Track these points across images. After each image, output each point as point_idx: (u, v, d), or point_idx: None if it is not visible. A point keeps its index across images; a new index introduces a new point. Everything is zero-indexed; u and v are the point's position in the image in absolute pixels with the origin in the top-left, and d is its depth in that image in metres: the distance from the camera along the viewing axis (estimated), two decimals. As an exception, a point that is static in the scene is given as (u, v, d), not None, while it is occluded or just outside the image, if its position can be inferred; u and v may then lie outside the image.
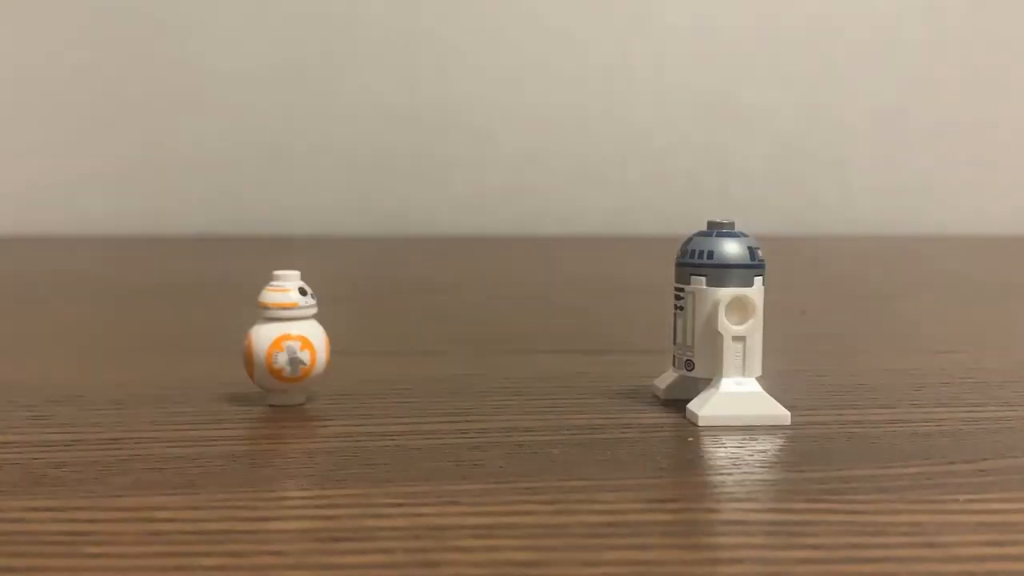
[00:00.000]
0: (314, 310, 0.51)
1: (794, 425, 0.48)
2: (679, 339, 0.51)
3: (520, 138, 1.49)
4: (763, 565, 0.33)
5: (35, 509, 0.37)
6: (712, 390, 0.49)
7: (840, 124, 1.51)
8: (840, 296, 0.94)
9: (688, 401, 0.51)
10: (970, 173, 1.52)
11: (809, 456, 0.44)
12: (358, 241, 1.41)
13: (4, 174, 1.47)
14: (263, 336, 0.50)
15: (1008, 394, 0.55)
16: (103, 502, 0.38)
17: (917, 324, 0.80)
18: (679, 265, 0.51)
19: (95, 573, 0.32)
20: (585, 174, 1.50)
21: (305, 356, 0.50)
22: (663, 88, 1.50)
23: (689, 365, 0.50)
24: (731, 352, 0.49)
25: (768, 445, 0.46)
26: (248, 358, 0.50)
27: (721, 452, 0.45)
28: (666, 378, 0.53)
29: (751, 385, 0.49)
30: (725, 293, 0.49)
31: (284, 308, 0.50)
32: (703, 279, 0.49)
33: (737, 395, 0.49)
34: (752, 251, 0.50)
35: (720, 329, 0.49)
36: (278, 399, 0.51)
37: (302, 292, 0.51)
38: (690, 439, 0.47)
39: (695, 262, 0.50)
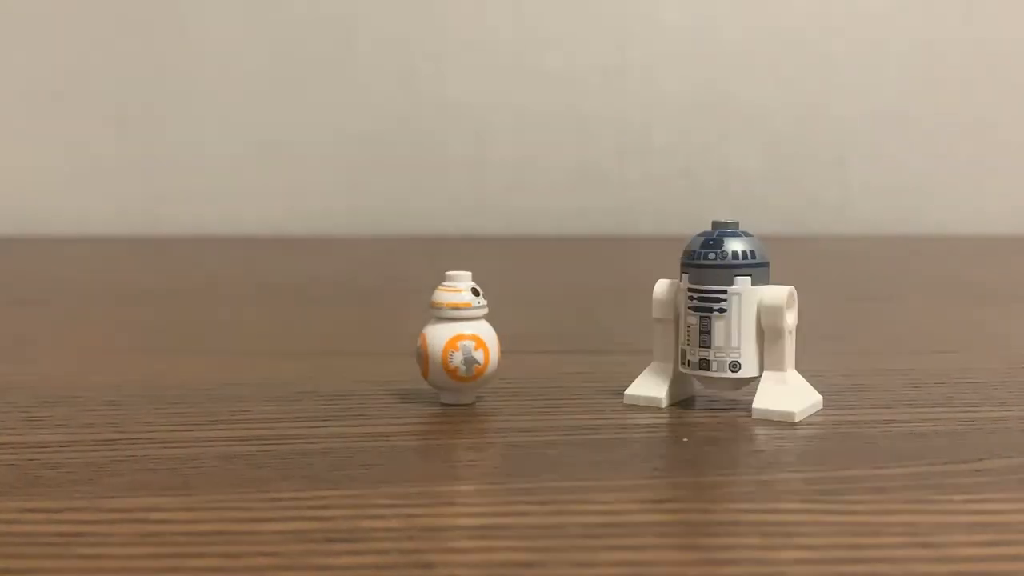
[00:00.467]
0: (485, 310, 0.51)
1: (790, 425, 0.48)
2: (719, 341, 0.49)
3: (520, 138, 1.49)
4: (758, 566, 0.33)
5: (29, 510, 0.37)
6: (785, 386, 0.49)
7: (839, 124, 1.51)
8: (838, 296, 0.94)
9: (688, 401, 0.51)
10: (970, 173, 1.52)
11: (805, 456, 0.44)
12: (355, 241, 1.41)
13: (4, 174, 1.47)
14: (438, 336, 0.50)
15: (1004, 394, 0.55)
16: (97, 503, 0.38)
17: (915, 324, 0.80)
18: (714, 267, 0.49)
19: (89, 574, 0.32)
20: (584, 174, 1.49)
21: (479, 356, 0.50)
22: (662, 88, 1.49)
23: (735, 367, 0.49)
24: (791, 347, 0.49)
25: (764, 445, 0.46)
26: (423, 357, 0.50)
27: (717, 453, 0.45)
28: (652, 386, 0.51)
29: (798, 376, 0.50)
30: (780, 290, 0.49)
31: (457, 308, 0.50)
32: (748, 279, 0.49)
33: (806, 388, 0.50)
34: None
35: (785, 325, 0.49)
36: (450, 398, 0.52)
37: (474, 292, 0.51)
38: (685, 440, 0.47)
39: (739, 263, 0.49)
